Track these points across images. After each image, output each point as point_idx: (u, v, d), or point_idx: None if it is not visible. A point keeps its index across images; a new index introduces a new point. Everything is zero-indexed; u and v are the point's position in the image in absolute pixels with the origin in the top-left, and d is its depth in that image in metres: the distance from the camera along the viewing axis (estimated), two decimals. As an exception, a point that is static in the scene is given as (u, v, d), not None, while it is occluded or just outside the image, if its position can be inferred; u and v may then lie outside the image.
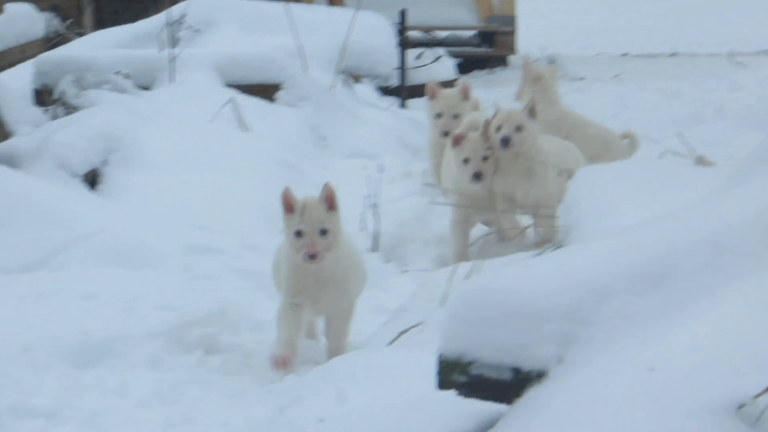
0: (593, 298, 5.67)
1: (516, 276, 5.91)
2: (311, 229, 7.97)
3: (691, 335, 5.36)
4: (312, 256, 7.89)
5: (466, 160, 10.81)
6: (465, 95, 12.25)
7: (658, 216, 6.48)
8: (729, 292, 5.61)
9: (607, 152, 12.11)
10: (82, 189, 11.76)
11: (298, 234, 7.98)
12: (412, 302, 9.05)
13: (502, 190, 10.78)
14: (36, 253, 10.17)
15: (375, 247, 11.57)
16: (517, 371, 5.62)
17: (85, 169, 12.03)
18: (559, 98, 13.40)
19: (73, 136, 12.11)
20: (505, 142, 10.54)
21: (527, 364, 5.61)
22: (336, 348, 8.35)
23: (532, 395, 5.54)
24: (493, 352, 5.67)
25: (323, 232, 7.99)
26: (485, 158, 10.79)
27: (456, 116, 11.84)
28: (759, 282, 5.65)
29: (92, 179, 12.05)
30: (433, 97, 12.15)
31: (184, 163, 12.28)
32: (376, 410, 6.40)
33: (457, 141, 10.91)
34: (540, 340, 5.62)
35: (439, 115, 12.06)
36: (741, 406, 4.97)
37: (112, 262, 10.00)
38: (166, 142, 12.52)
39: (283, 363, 7.91)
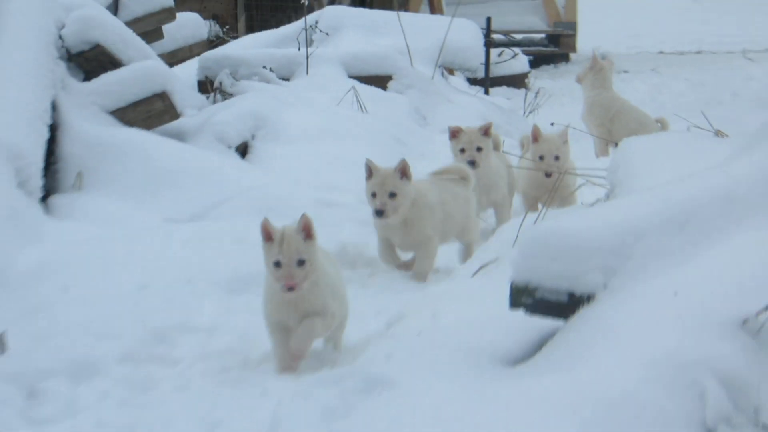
0: (632, 239, 5.86)
1: (572, 221, 6.08)
2: (289, 260, 6.98)
3: (707, 267, 5.61)
4: (290, 288, 6.97)
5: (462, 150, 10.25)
6: (486, 133, 10.39)
7: (684, 175, 6.60)
8: (738, 234, 5.85)
9: (643, 131, 11.98)
10: (236, 157, 11.95)
11: (277, 264, 7.01)
12: (490, 244, 9.25)
13: (385, 235, 9.39)
14: (199, 206, 10.43)
15: None
16: (571, 295, 5.83)
17: (237, 142, 12.23)
18: (612, 86, 13.52)
19: (229, 116, 12.30)
20: (379, 213, 9.12)
21: (579, 289, 5.82)
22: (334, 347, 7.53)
23: (583, 313, 5.74)
24: (553, 280, 5.87)
25: (301, 262, 7.01)
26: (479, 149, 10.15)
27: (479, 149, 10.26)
28: (762, 226, 5.89)
29: (243, 150, 12.23)
30: (455, 136, 10.42)
31: (316, 137, 12.38)
32: (461, 325, 6.59)
33: (454, 134, 10.36)
34: (590, 271, 5.82)
35: (462, 150, 10.37)
36: (745, 321, 5.25)
37: (258, 213, 10.04)
38: (301, 121, 12.57)
39: (289, 370, 7.13)
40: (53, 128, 10.90)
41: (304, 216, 7.07)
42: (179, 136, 11.82)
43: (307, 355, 7.21)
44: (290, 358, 7.17)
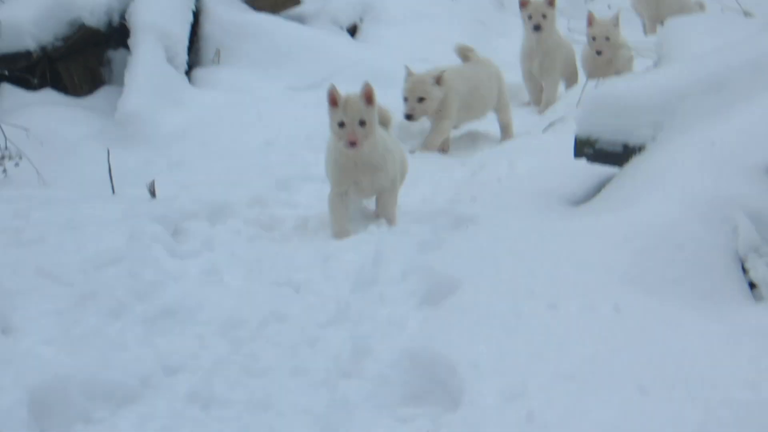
0: (676, 98, 5.85)
1: (626, 85, 6.07)
2: (352, 120, 6.73)
3: (739, 123, 5.56)
4: (352, 144, 6.73)
5: None
6: (551, 3, 10.16)
7: (719, 46, 6.53)
8: (765, 96, 5.75)
9: (685, 12, 11.63)
10: (347, 37, 11.82)
11: (341, 125, 6.76)
12: (558, 105, 9.27)
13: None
14: (315, 77, 10.31)
15: None
16: (625, 146, 5.88)
17: (348, 24, 12.07)
18: None
19: (341, 2, 12.11)
20: (408, 117, 8.93)
21: (632, 141, 5.87)
22: (387, 218, 7.00)
23: (635, 161, 5.79)
24: (610, 134, 5.92)
25: (362, 123, 6.74)
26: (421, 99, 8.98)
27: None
28: None
29: (353, 31, 12.11)
30: (524, 5, 10.21)
31: (412, 19, 12.28)
32: (534, 172, 6.65)
33: (524, 3, 10.16)
34: (641, 126, 5.85)
35: (530, 17, 10.23)
36: None
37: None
38: (401, 5, 12.46)
39: (344, 234, 6.72)
40: (196, 13, 10.96)
41: (366, 84, 6.85)
42: (300, 20, 11.82)
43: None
44: (342, 233, 6.85)
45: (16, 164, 8.20)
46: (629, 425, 3.81)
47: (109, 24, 10.61)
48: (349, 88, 9.56)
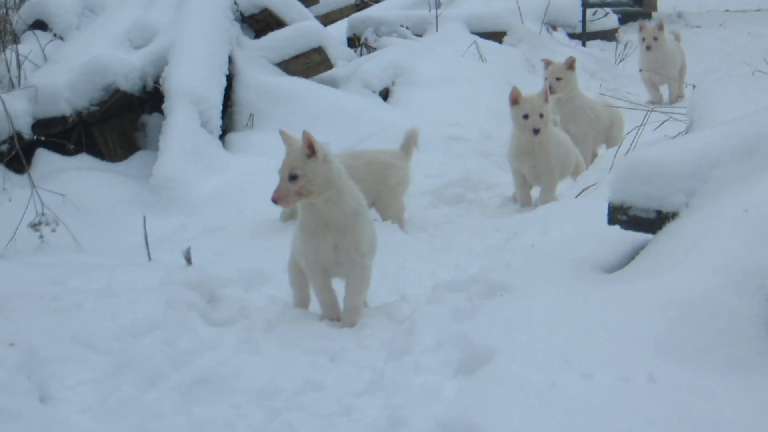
0: (708, 165, 5.83)
1: (659, 151, 6.03)
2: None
3: (772, 189, 5.61)
4: (536, 131, 7.63)
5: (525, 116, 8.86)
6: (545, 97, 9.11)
7: (750, 111, 6.47)
8: (797, 162, 5.81)
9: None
10: (379, 100, 11.96)
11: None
12: (590, 170, 9.25)
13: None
14: (348, 140, 10.45)
15: None
16: (659, 213, 5.86)
17: (380, 87, 12.25)
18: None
19: (373, 66, 12.32)
20: (536, 131, 8.77)
21: (666, 208, 5.84)
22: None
23: (669, 228, 5.76)
24: (644, 200, 5.89)
25: (293, 177, 6.17)
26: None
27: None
28: None
29: (385, 94, 12.24)
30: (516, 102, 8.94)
31: (444, 82, 12.39)
32: (567, 239, 6.59)
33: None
34: (674, 192, 5.83)
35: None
36: None
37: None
38: (432, 69, 12.57)
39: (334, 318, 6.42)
40: (230, 77, 11.08)
41: (304, 133, 6.22)
42: (332, 83, 11.93)
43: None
44: (333, 310, 6.49)
45: (53, 230, 8.26)
46: (665, 498, 3.82)
47: (144, 89, 10.74)
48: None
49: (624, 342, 4.78)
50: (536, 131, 8.85)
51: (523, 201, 9.23)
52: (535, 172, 9.12)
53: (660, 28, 13.50)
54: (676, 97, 13.64)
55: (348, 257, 6.40)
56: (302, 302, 6.74)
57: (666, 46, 13.66)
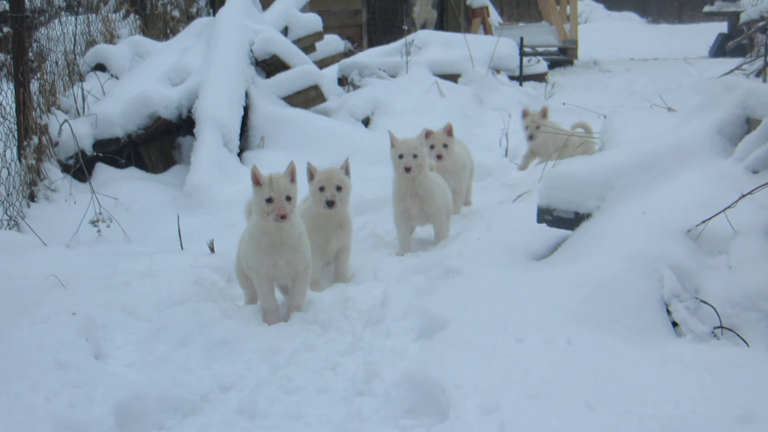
0: (615, 176, 5.83)
1: (577, 166, 6.03)
2: (279, 196, 5.59)
3: (664, 195, 5.54)
4: (282, 217, 5.61)
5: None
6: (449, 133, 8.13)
7: (649, 135, 6.53)
8: (684, 173, 5.75)
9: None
10: (361, 126, 11.82)
11: (269, 200, 5.62)
12: (523, 181, 9.25)
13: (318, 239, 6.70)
14: (337, 157, 10.15)
15: (505, 154, 11.53)
16: (577, 213, 5.85)
17: (363, 116, 12.12)
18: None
19: (358, 100, 12.19)
20: (407, 170, 7.33)
21: (582, 210, 5.84)
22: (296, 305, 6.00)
23: (584, 225, 5.77)
24: (565, 204, 5.89)
25: (288, 198, 5.65)
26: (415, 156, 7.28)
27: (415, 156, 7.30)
28: (699, 168, 5.81)
29: (366, 121, 12.15)
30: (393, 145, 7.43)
31: (412, 112, 12.27)
32: (506, 233, 6.52)
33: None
34: (589, 198, 5.83)
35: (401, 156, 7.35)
36: (689, 230, 5.22)
37: (376, 162, 10.19)
38: (403, 102, 12.48)
39: (274, 320, 5.92)
40: (246, 108, 11.02)
41: (291, 163, 5.76)
42: (326, 113, 11.87)
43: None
44: (274, 316, 5.94)
45: (108, 226, 8.23)
46: (579, 434, 3.79)
47: (179, 116, 10.69)
48: (363, 167, 9.73)
49: (548, 313, 4.78)
50: (408, 170, 7.34)
51: (406, 246, 7.52)
52: (422, 213, 7.54)
53: (543, 115, 9.92)
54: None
55: (296, 270, 5.91)
56: (252, 299, 6.23)
57: (545, 134, 9.83)
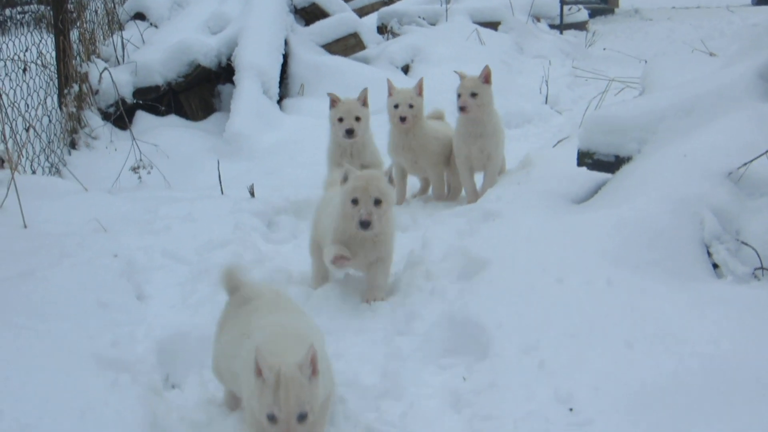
0: (656, 120, 5.79)
1: (617, 109, 6.02)
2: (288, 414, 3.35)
3: (704, 139, 5.48)
4: (402, 119, 5.54)
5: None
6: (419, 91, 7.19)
7: (689, 79, 6.48)
8: (724, 117, 5.68)
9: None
10: (401, 74, 11.81)
11: (272, 418, 3.36)
12: (564, 126, 9.20)
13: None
14: (377, 105, 10.23)
15: (545, 101, 11.42)
16: (617, 157, 5.83)
17: (402, 64, 12.10)
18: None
19: (397, 48, 12.17)
20: (402, 119, 7.08)
21: (622, 153, 5.82)
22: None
23: (625, 168, 5.74)
24: (605, 147, 5.88)
25: (302, 416, 3.32)
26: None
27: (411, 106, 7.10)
28: (740, 113, 5.71)
29: (406, 69, 12.13)
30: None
31: (451, 60, 12.18)
32: (546, 177, 6.53)
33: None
34: (629, 141, 5.80)
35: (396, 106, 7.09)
36: (730, 173, 5.16)
37: None
38: (442, 50, 12.41)
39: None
40: (285, 56, 11.02)
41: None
42: (365, 61, 11.85)
43: None
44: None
45: (149, 172, 8.29)
46: (618, 372, 3.80)
47: (219, 64, 10.71)
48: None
49: (588, 255, 4.77)
50: (403, 119, 7.09)
51: (402, 196, 7.36)
52: (417, 166, 7.30)
53: (486, 80, 7.13)
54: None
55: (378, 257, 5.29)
56: (320, 277, 5.61)
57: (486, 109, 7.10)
